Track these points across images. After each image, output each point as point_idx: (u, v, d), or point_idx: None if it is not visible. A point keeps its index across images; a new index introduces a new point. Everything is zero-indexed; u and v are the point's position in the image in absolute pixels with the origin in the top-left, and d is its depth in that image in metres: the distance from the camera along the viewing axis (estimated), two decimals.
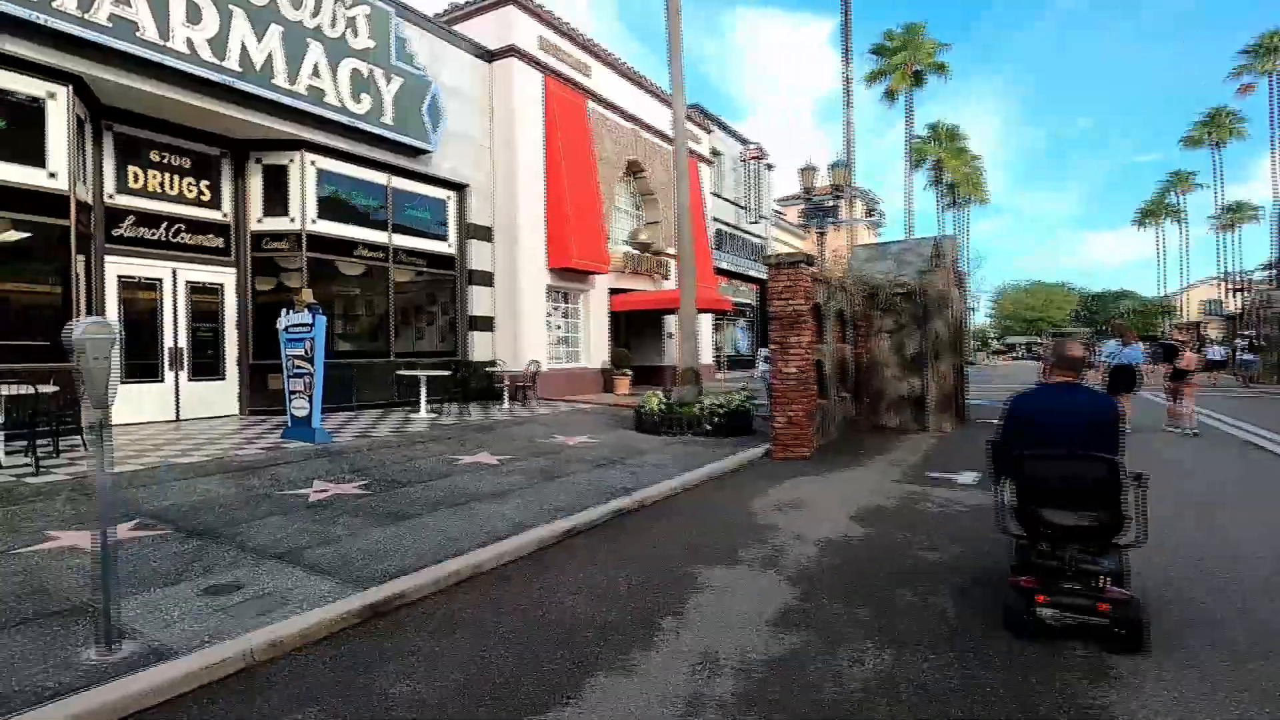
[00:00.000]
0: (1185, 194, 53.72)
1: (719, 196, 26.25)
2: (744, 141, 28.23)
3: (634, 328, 21.51)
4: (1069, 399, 3.36)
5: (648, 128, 19.88)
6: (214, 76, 9.61)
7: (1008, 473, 3.30)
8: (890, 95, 31.43)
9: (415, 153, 13.12)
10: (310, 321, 8.48)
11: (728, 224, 26.76)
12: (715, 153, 26.28)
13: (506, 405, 13.48)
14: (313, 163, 11.62)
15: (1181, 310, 53.67)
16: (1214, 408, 13.59)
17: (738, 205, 27.75)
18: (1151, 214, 57.94)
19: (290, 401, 8.90)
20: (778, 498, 6.32)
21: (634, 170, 19.54)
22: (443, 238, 14.31)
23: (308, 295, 9.03)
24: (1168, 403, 11.10)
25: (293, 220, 11.47)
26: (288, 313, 8.84)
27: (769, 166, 29.86)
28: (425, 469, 7.16)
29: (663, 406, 9.88)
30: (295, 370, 8.74)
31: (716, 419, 9.58)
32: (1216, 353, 22.71)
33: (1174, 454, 8.63)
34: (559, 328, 16.80)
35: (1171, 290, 61.69)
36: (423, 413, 11.60)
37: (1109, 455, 3.12)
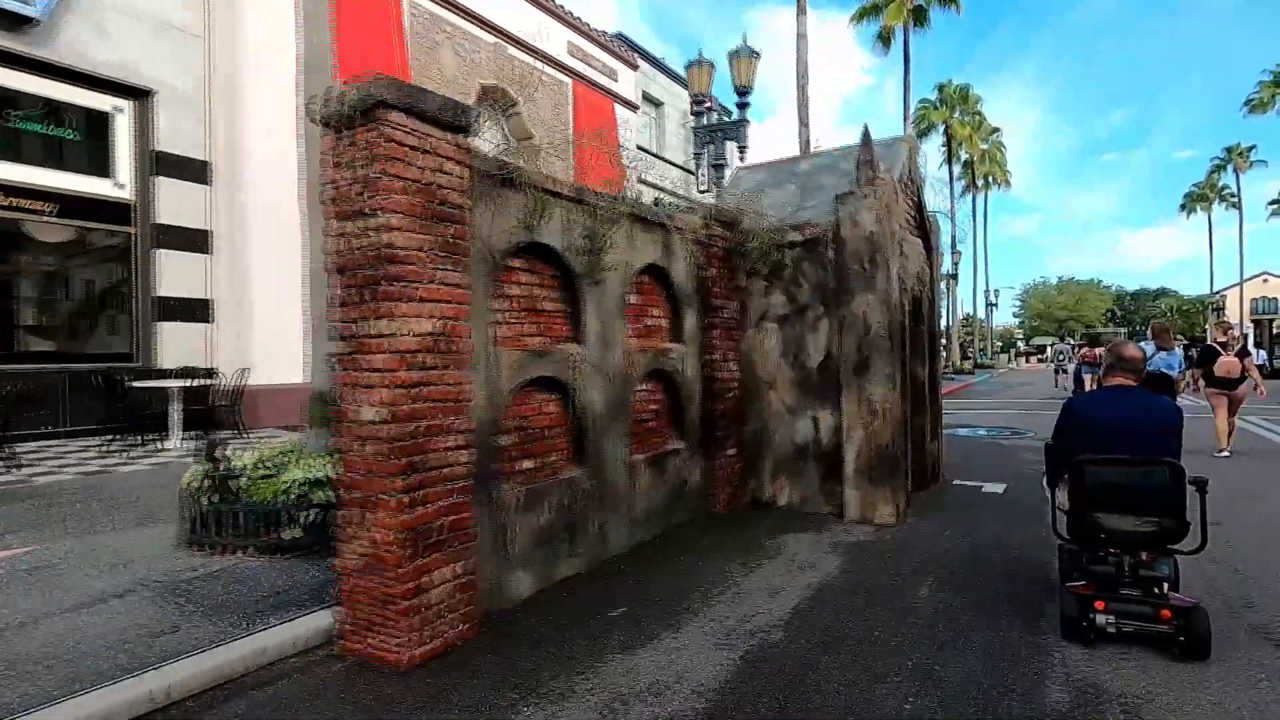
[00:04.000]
0: (1242, 172, 46.65)
1: (658, 156, 20.77)
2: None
3: None
4: (1131, 403, 3.24)
5: (529, 49, 14.50)
6: None
7: (1065, 474, 3.22)
8: (885, 39, 25.40)
9: (14, 22, 7.88)
10: None
11: (672, 193, 21.23)
12: (652, 101, 20.83)
13: (174, 443, 8.17)
14: None
15: (1238, 310, 46.74)
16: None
17: (685, 169, 22.20)
18: (1201, 199, 50.87)
19: None
20: None
21: (498, 101, 14.14)
22: (101, 172, 9.02)
23: None
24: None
25: None
26: None
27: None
28: None
29: (212, 484, 4.39)
30: None
31: (317, 513, 4.15)
32: (1259, 356, 19.19)
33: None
34: None
35: (1221, 287, 54.76)
36: None
37: (1171, 460, 3.02)
